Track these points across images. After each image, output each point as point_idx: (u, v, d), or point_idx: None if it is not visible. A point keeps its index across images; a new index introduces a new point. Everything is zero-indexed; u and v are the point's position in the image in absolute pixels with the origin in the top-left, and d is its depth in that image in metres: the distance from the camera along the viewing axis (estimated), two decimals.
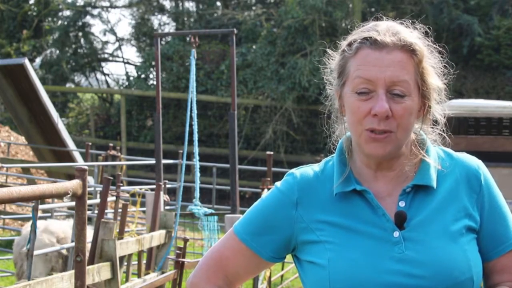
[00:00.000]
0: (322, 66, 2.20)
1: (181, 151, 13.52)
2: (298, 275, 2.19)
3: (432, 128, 2.16)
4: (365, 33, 2.07)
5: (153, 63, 23.34)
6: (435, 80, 2.10)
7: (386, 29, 2.07)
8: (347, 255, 2.03)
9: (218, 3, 26.92)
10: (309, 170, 2.17)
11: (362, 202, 2.08)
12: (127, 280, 7.05)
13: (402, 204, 2.07)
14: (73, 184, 4.07)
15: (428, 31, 2.13)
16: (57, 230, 7.71)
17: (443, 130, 2.17)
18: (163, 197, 8.30)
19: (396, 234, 2.04)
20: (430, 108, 2.11)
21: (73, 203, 5.57)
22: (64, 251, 7.77)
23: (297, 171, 2.17)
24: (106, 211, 7.34)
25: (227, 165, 14.00)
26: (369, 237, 2.04)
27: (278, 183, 2.18)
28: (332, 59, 2.16)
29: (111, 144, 16.09)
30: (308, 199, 2.12)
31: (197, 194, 8.64)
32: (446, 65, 2.14)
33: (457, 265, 2.01)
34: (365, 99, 2.03)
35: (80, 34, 27.59)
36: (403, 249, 2.02)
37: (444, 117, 2.15)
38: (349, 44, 2.09)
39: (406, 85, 2.03)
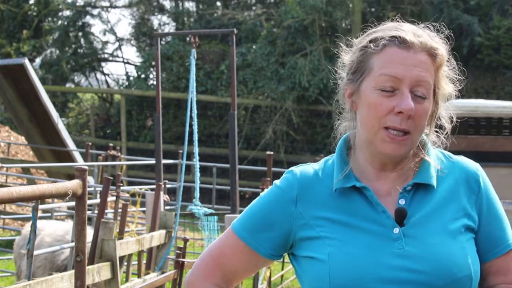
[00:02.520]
0: (336, 61, 2.19)
1: (181, 151, 13.52)
2: (295, 273, 2.19)
3: (436, 131, 2.19)
4: (392, 31, 2.09)
5: (153, 63, 23.35)
6: (448, 86, 2.13)
7: (412, 31, 2.09)
8: (347, 250, 2.04)
9: (218, 3, 26.92)
10: (308, 168, 2.18)
11: (361, 199, 2.10)
12: (127, 280, 7.05)
13: (402, 202, 2.09)
14: (73, 184, 4.07)
15: (450, 37, 2.16)
16: None
17: (446, 133, 2.19)
18: (163, 197, 8.30)
19: (396, 230, 2.05)
20: (437, 112, 2.14)
21: (73, 203, 5.57)
22: None
23: (296, 169, 2.18)
24: (106, 211, 7.34)
25: (227, 165, 14.00)
26: (369, 233, 2.06)
27: (277, 181, 2.19)
28: (346, 54, 2.16)
29: (111, 144, 16.10)
30: (307, 196, 2.12)
31: (197, 194, 8.64)
32: (460, 73, 2.17)
33: (456, 261, 2.03)
34: (388, 96, 2.04)
35: (80, 34, 27.60)
36: (403, 245, 2.04)
37: (451, 122, 2.17)
38: (374, 41, 2.09)
39: (428, 86, 2.06)
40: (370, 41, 2.10)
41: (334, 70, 2.20)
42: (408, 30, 2.08)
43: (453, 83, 2.14)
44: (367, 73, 2.08)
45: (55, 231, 7.75)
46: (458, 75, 2.16)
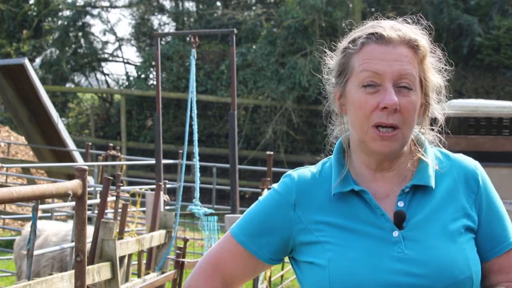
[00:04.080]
0: (322, 65, 2.20)
1: (181, 151, 13.52)
2: (296, 277, 2.18)
3: (431, 128, 2.17)
4: (370, 29, 2.08)
5: (153, 63, 23.34)
6: (436, 77, 2.12)
7: (390, 26, 2.09)
8: (346, 255, 2.03)
9: (218, 3, 26.92)
10: (306, 171, 2.16)
11: (360, 202, 2.08)
12: (127, 280, 7.05)
13: (401, 204, 2.07)
14: (73, 184, 4.07)
15: (429, 28, 2.15)
16: None
17: (442, 130, 2.17)
18: (163, 197, 8.30)
19: (396, 233, 2.04)
20: (429, 105, 2.12)
21: (73, 203, 5.57)
22: None
23: (294, 173, 2.16)
24: (106, 211, 7.34)
25: (227, 165, 14.00)
26: (368, 237, 2.04)
27: (275, 185, 2.17)
28: (331, 59, 2.17)
29: (111, 144, 16.10)
30: (306, 200, 2.11)
31: (197, 194, 8.64)
32: (446, 63, 2.15)
33: (457, 264, 2.01)
34: (372, 92, 2.03)
35: (80, 34, 27.60)
36: (403, 249, 2.02)
37: (444, 116, 2.15)
38: (353, 41, 2.09)
39: (412, 79, 2.04)
40: (350, 42, 2.10)
41: (322, 76, 2.21)
42: (386, 26, 2.08)
43: (441, 74, 2.13)
44: (349, 74, 2.08)
45: (60, 231, 7.77)
46: (445, 65, 2.14)
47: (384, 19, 2.15)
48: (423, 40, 2.09)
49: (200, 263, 2.21)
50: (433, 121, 2.17)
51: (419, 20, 2.16)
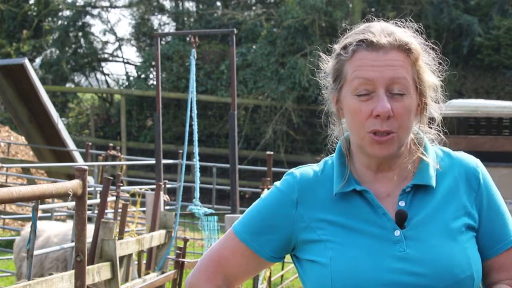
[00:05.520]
0: (317, 70, 2.20)
1: (181, 151, 13.52)
2: (298, 275, 2.19)
3: (430, 127, 2.17)
4: (360, 35, 2.07)
5: (153, 63, 23.34)
6: (431, 77, 2.12)
7: (381, 30, 2.08)
8: (348, 254, 2.04)
9: (218, 3, 26.92)
10: (308, 169, 2.17)
11: (362, 202, 2.09)
12: (127, 280, 7.05)
13: (402, 203, 2.08)
14: (73, 184, 4.07)
15: (419, 29, 2.14)
16: None
17: (440, 129, 2.17)
18: (163, 197, 8.30)
19: (397, 233, 2.05)
20: (426, 105, 2.12)
21: (73, 203, 5.57)
22: None
23: (296, 171, 2.17)
24: (106, 211, 7.34)
25: (227, 165, 14.00)
26: (370, 236, 2.05)
27: (277, 183, 2.18)
28: (326, 63, 2.17)
29: (111, 144, 16.09)
30: (308, 198, 2.12)
31: (197, 194, 8.64)
32: (442, 61, 2.15)
33: (458, 263, 2.02)
34: (366, 100, 2.04)
35: (80, 34, 27.60)
36: (404, 248, 2.03)
37: (441, 115, 2.16)
38: (344, 47, 2.09)
39: (405, 83, 2.04)
40: (341, 49, 2.10)
41: (319, 79, 2.21)
42: (376, 31, 2.07)
43: (436, 72, 2.13)
44: (343, 81, 2.09)
45: (61, 232, 7.77)
46: (439, 63, 2.14)
47: (376, 21, 2.14)
48: (414, 42, 2.08)
49: (201, 261, 2.21)
50: (432, 120, 2.17)
51: (420, 21, 2.14)
